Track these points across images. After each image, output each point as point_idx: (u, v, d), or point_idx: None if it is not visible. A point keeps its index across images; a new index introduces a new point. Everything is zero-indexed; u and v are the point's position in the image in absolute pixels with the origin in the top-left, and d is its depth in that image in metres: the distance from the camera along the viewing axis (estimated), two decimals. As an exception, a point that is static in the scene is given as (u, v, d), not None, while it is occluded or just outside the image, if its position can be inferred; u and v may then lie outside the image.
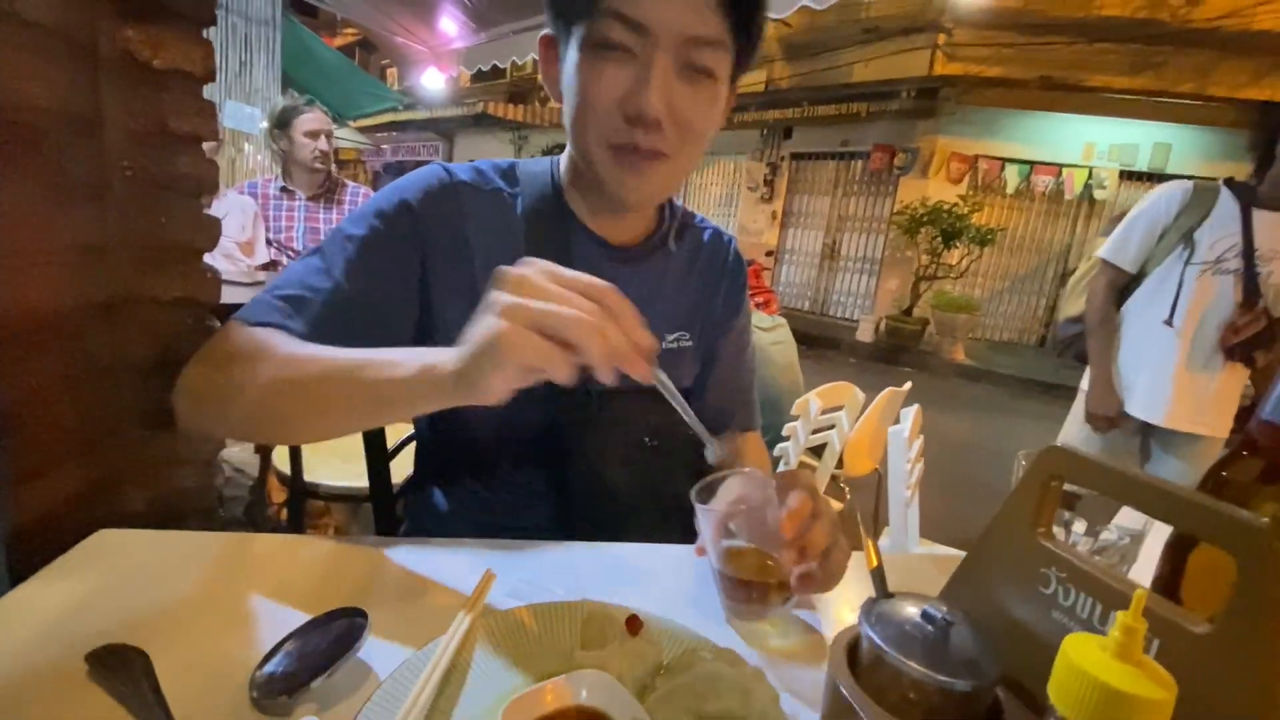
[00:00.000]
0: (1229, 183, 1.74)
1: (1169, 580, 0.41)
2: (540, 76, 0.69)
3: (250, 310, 0.58)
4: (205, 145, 0.71)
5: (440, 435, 0.77)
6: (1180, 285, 1.73)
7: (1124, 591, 0.30)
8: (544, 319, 0.40)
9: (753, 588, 0.51)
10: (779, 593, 0.51)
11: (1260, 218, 1.66)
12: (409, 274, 0.65)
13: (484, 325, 0.42)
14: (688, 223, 0.82)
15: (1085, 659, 0.24)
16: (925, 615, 0.34)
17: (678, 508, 0.59)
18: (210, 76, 0.66)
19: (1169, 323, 1.74)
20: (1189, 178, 1.80)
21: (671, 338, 0.77)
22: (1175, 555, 0.41)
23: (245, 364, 0.53)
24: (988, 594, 0.37)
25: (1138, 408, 1.79)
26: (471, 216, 0.67)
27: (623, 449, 0.71)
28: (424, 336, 0.66)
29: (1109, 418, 1.83)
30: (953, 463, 2.61)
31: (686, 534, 0.61)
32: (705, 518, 0.53)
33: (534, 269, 0.43)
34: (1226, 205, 1.70)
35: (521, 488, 0.72)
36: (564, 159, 0.73)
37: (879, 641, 0.33)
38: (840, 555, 0.51)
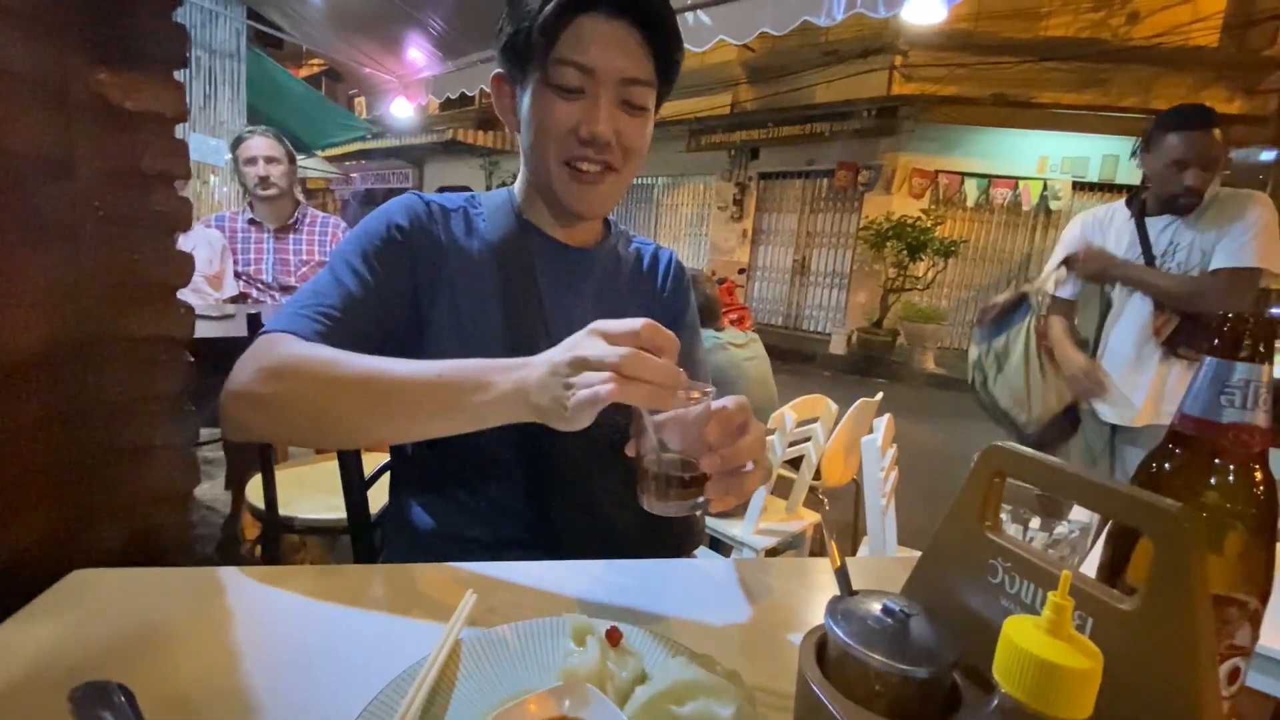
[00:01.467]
0: (1128, 200, 1.93)
1: (1111, 567, 0.44)
2: (496, 110, 0.81)
3: (279, 321, 0.66)
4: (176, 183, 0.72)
5: (417, 454, 0.78)
6: (1107, 301, 1.91)
7: (1057, 575, 0.33)
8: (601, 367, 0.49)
9: (671, 486, 0.55)
10: (692, 494, 0.55)
11: (1152, 224, 1.85)
12: (404, 279, 0.73)
13: (560, 377, 0.52)
14: (629, 239, 0.92)
15: (1021, 637, 0.27)
16: (885, 610, 0.36)
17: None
18: (182, 116, 0.68)
19: (1101, 340, 1.92)
20: (1137, 187, 1.95)
21: None
22: (1117, 544, 0.44)
23: (307, 373, 0.59)
24: (944, 587, 0.40)
25: (1107, 413, 1.91)
26: (444, 231, 0.77)
27: (593, 451, 0.74)
28: (415, 332, 0.74)
29: (1094, 382, 1.91)
30: (928, 470, 2.67)
31: (659, 532, 0.63)
32: (645, 419, 0.56)
33: (591, 333, 0.53)
34: (1122, 221, 1.91)
35: (500, 499, 0.74)
36: (519, 182, 0.83)
37: (843, 637, 0.35)
38: (756, 475, 0.55)
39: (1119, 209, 1.95)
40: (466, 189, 0.87)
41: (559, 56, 0.68)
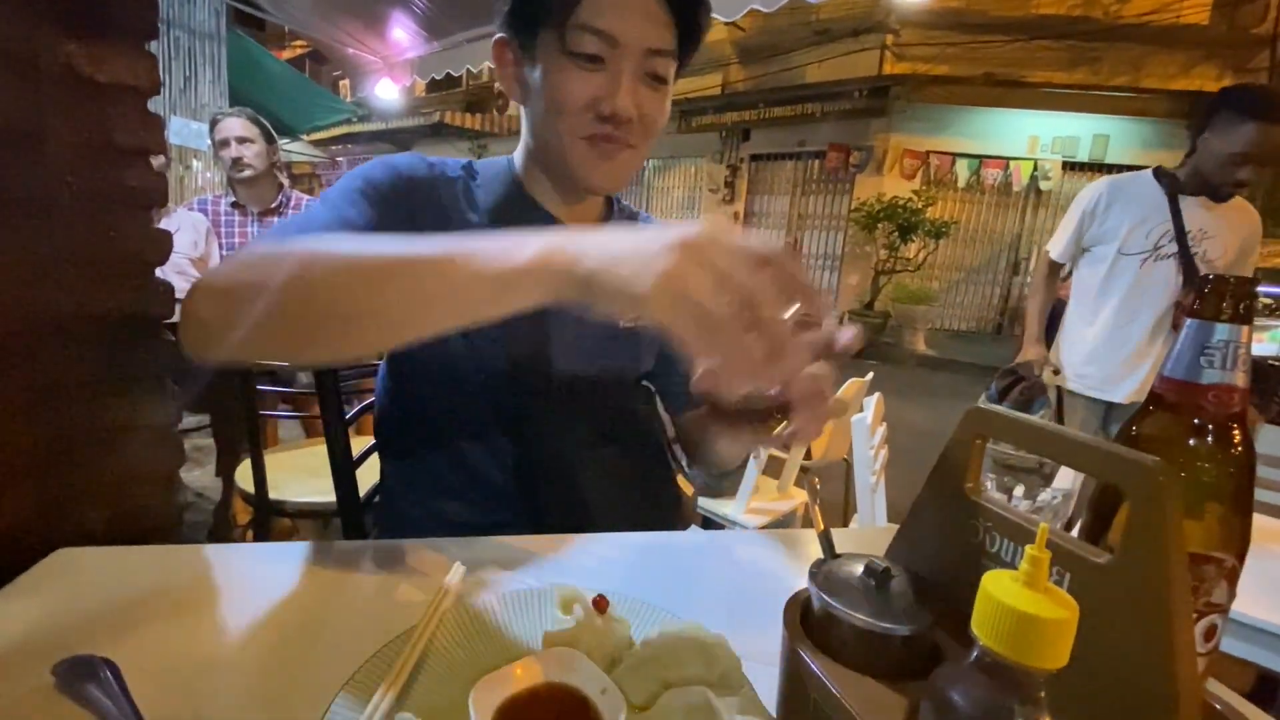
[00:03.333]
0: (1156, 173, 1.88)
1: (1092, 531, 0.44)
2: (497, 78, 0.74)
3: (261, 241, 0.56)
4: (154, 162, 0.70)
5: (405, 436, 0.77)
6: (1122, 273, 1.88)
7: (1034, 531, 0.33)
8: (723, 281, 0.36)
9: (750, 417, 0.52)
10: (773, 425, 0.51)
11: (1186, 203, 1.81)
12: (402, 229, 0.64)
13: (654, 247, 0.37)
14: (634, 216, 0.88)
15: (999, 590, 0.27)
16: (867, 571, 0.37)
17: (639, 490, 0.62)
18: (155, 89, 0.66)
19: (1119, 309, 1.90)
20: (1127, 167, 1.96)
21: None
22: (1098, 508, 0.45)
23: (283, 256, 0.47)
24: (926, 548, 0.40)
25: (1105, 390, 1.93)
26: (444, 196, 0.72)
27: (583, 435, 0.74)
28: None
29: (1037, 362, 1.99)
30: (918, 449, 2.69)
31: (649, 516, 0.63)
32: None
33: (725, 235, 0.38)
34: (1153, 194, 1.85)
35: (489, 481, 0.73)
36: (519, 154, 0.78)
37: (826, 598, 0.36)
38: (836, 405, 0.50)
39: (1144, 178, 1.89)
40: None
41: (579, 22, 0.62)
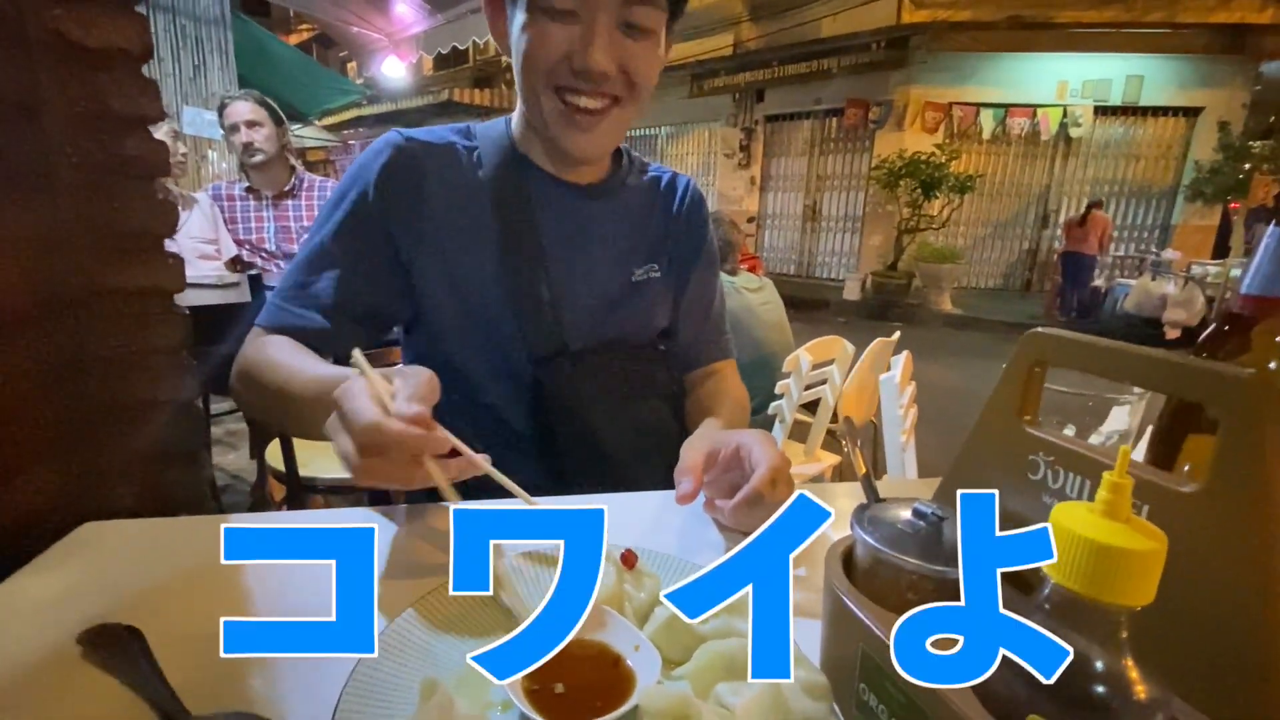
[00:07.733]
0: None
1: (1161, 460, 0.41)
2: (489, 32, 0.72)
3: (264, 316, 0.68)
4: (157, 134, 0.68)
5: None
6: None
7: (1109, 463, 0.30)
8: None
9: None
10: None
11: None
12: (379, 246, 0.69)
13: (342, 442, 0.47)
14: (645, 168, 0.85)
15: (1073, 522, 0.24)
16: (916, 513, 0.34)
17: (656, 451, 0.61)
18: (148, 53, 0.64)
19: None
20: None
21: (640, 271, 0.79)
22: (1164, 440, 0.41)
23: (253, 386, 0.63)
24: (979, 487, 0.37)
25: None
26: (429, 172, 0.70)
27: (601, 400, 0.73)
28: (406, 283, 0.71)
29: None
30: (945, 410, 2.63)
31: (667, 476, 0.61)
32: None
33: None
34: None
35: (511, 446, 0.72)
36: (516, 114, 0.76)
37: (872, 542, 0.33)
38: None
39: None
40: None
41: None
